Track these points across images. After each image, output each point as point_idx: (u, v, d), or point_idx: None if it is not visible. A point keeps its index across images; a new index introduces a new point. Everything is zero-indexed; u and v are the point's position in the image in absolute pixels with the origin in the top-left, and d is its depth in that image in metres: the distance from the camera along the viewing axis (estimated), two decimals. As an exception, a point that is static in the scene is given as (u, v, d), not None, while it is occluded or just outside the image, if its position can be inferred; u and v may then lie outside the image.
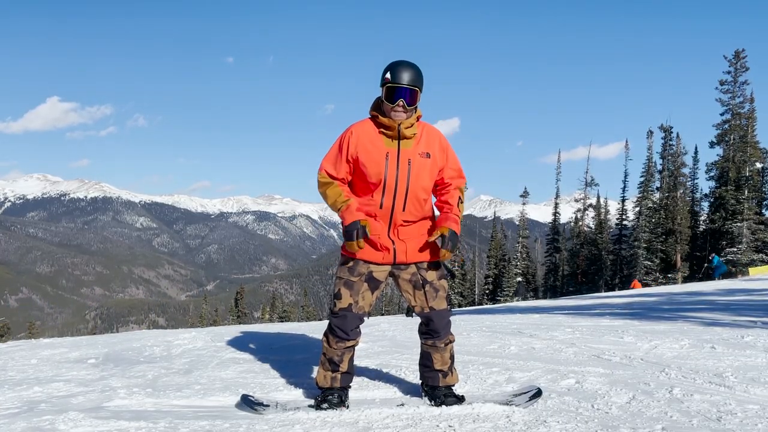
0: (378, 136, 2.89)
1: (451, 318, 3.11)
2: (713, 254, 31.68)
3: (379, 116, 2.87)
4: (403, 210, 2.90)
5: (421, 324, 3.04)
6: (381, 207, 2.89)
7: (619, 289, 35.63)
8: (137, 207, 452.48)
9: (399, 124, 2.83)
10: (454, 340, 3.03)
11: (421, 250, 2.96)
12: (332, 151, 2.97)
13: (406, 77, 2.79)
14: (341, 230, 2.91)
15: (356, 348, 3.01)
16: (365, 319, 3.00)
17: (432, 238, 2.89)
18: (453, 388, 3.02)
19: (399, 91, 2.79)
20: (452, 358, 3.02)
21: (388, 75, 2.82)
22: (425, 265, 2.97)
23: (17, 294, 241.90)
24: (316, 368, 3.10)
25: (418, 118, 2.92)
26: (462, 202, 3.04)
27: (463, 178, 3.08)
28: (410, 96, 2.80)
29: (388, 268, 2.97)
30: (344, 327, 2.91)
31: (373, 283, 2.96)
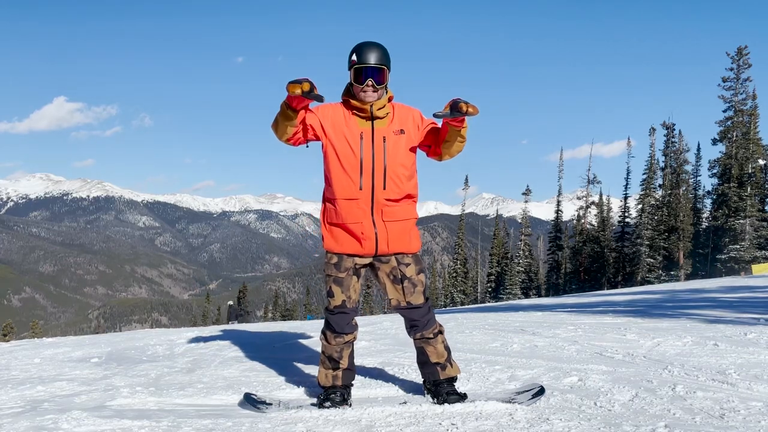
0: (351, 117, 2.87)
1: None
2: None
3: (351, 100, 2.86)
4: (384, 188, 2.85)
5: (404, 323, 3.05)
6: (361, 188, 2.83)
7: (621, 287, 35.59)
8: (139, 206, 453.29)
9: (371, 105, 2.82)
10: (443, 331, 3.03)
11: (403, 239, 2.93)
12: None
13: (372, 57, 2.76)
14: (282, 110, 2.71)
15: (358, 346, 3.01)
16: (358, 310, 3.03)
17: (443, 111, 2.72)
18: (455, 383, 3.01)
19: (367, 70, 2.77)
20: (448, 349, 3.01)
21: (354, 57, 2.78)
22: (405, 259, 2.95)
23: (20, 293, 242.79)
24: (317, 368, 3.10)
25: (389, 99, 2.90)
26: None
27: None
28: (379, 75, 2.78)
29: (369, 259, 2.97)
30: (341, 322, 2.94)
31: (358, 274, 2.99)
